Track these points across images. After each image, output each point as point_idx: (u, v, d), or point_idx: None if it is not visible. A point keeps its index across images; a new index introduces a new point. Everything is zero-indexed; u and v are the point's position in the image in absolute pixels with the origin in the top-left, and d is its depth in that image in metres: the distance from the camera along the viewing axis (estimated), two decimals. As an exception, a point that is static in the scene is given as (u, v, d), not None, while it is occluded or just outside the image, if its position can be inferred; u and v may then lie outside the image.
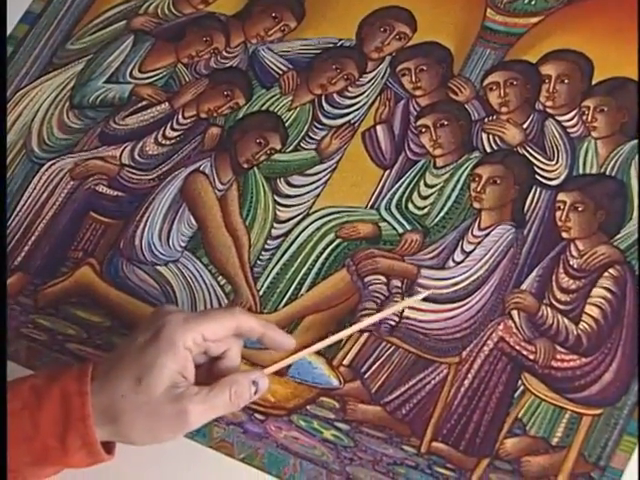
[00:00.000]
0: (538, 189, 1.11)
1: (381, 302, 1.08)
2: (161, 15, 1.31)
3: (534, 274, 1.07)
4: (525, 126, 1.15)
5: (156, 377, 0.89)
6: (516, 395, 1.02)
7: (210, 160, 1.19)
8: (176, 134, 1.22)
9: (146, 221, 1.17)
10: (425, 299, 1.07)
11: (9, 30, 1.30)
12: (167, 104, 1.24)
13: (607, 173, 1.11)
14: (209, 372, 0.96)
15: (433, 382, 1.04)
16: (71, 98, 1.27)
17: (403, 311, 1.07)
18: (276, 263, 1.13)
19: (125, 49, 1.29)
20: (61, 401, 0.90)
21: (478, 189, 1.12)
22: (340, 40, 1.25)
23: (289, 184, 1.17)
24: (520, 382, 1.03)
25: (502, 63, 1.19)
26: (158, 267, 1.14)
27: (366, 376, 1.06)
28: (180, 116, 1.23)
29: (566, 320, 1.04)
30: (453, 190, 1.13)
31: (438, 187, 1.14)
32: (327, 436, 1.03)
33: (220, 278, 1.13)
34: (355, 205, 1.14)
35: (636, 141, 1.11)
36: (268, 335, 0.97)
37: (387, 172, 1.16)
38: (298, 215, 1.15)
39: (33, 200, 1.20)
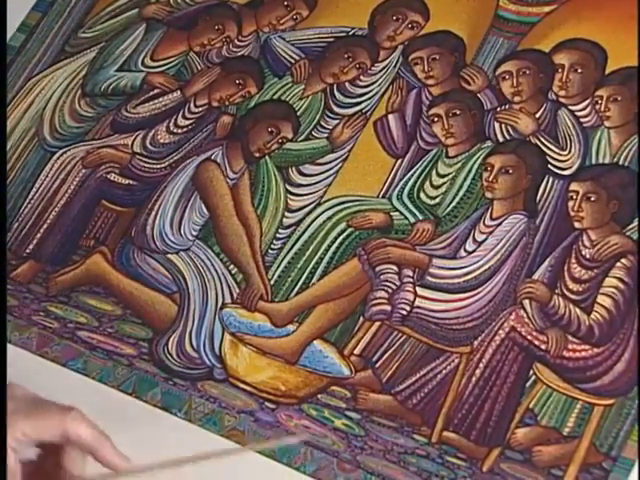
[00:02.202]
0: (551, 179, 1.11)
1: (392, 291, 1.08)
2: (173, 3, 1.31)
3: (546, 264, 1.07)
4: (538, 115, 1.15)
5: None
6: (527, 385, 1.02)
7: (222, 149, 1.19)
8: (188, 122, 1.22)
9: (158, 209, 1.17)
10: (437, 288, 1.07)
11: (21, 18, 1.30)
12: (179, 92, 1.24)
13: (620, 163, 1.11)
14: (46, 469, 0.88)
15: (444, 372, 1.04)
16: (83, 86, 1.27)
17: (414, 300, 1.07)
18: (287, 252, 1.13)
19: (137, 37, 1.29)
20: None
21: (490, 179, 1.12)
22: (352, 29, 1.25)
23: (301, 173, 1.17)
24: (532, 372, 1.03)
25: (515, 52, 1.19)
26: (169, 256, 1.14)
27: (377, 365, 1.06)
28: (192, 104, 1.23)
29: (578, 310, 1.03)
30: (465, 179, 1.13)
31: (450, 176, 1.14)
32: (338, 425, 1.03)
33: (231, 267, 1.13)
34: (367, 194, 1.14)
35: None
36: (99, 453, 0.85)
37: (399, 161, 1.16)
38: (310, 204, 1.15)
39: (45, 188, 1.20)
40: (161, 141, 1.21)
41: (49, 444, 0.84)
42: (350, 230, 1.12)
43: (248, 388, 1.06)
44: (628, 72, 1.14)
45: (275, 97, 1.22)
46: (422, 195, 1.13)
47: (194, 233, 1.15)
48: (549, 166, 1.12)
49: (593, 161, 1.11)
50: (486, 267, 1.07)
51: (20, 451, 0.83)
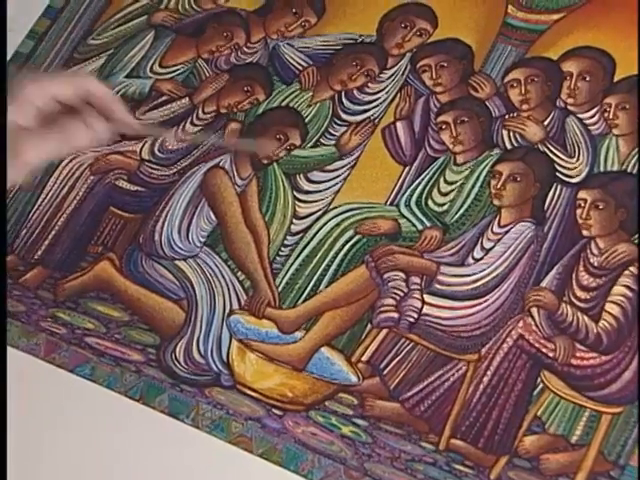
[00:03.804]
0: (559, 186, 1.11)
1: (400, 298, 1.08)
2: (182, 10, 1.31)
3: (554, 272, 1.07)
4: (546, 123, 1.15)
5: None
6: (535, 393, 1.02)
7: (230, 155, 1.19)
8: (196, 129, 1.22)
9: (165, 216, 1.17)
10: (444, 296, 1.07)
11: (31, 25, 1.30)
12: (187, 99, 1.24)
13: (628, 170, 1.10)
14: None
15: (452, 379, 1.04)
16: (92, 93, 1.27)
17: (422, 308, 1.07)
18: (295, 259, 1.13)
19: (146, 44, 1.29)
20: None
21: (498, 186, 1.11)
22: (360, 36, 1.24)
23: (308, 180, 1.17)
24: (539, 380, 1.02)
25: (523, 60, 1.18)
26: (177, 262, 1.14)
27: (385, 372, 1.06)
28: (200, 111, 1.23)
29: (586, 318, 1.03)
30: (473, 187, 1.13)
31: (458, 184, 1.14)
32: (345, 432, 1.03)
33: (239, 273, 1.13)
34: (375, 201, 1.14)
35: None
36: (114, 109, 0.91)
37: (407, 168, 1.16)
38: (318, 211, 1.15)
39: (53, 194, 1.20)
40: (169, 148, 1.21)
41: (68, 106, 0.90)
42: (358, 237, 1.12)
43: (255, 395, 1.06)
44: (636, 80, 1.14)
45: (283, 104, 1.22)
46: (430, 202, 1.13)
47: (202, 240, 1.15)
48: (557, 174, 1.11)
49: (601, 169, 1.11)
50: (494, 274, 1.07)
51: (44, 110, 0.88)
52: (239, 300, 1.11)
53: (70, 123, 0.90)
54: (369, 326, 1.08)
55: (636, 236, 1.06)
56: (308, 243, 1.13)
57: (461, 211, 1.12)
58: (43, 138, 0.90)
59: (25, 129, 0.89)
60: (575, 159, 1.12)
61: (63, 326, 1.12)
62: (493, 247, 1.09)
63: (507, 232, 1.10)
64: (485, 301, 1.06)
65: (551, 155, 1.12)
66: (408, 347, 1.07)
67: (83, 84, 0.90)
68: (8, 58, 1.28)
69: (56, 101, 0.90)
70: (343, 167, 1.18)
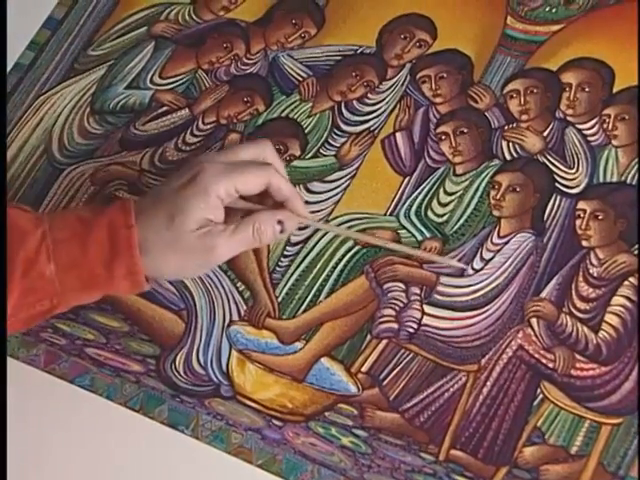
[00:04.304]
0: (558, 197, 1.11)
1: (400, 309, 1.08)
2: (182, 21, 1.31)
3: (554, 282, 1.07)
4: (545, 134, 1.15)
5: (187, 217, 0.94)
6: (535, 403, 1.02)
7: (230, 166, 1.19)
8: (196, 140, 1.22)
9: (166, 226, 1.17)
10: (444, 306, 1.07)
11: (31, 36, 1.31)
12: (187, 110, 1.25)
13: (628, 182, 1.11)
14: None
15: (452, 390, 1.04)
16: (92, 104, 1.27)
17: (422, 318, 1.07)
18: (295, 269, 1.13)
19: (146, 55, 1.29)
20: (109, 232, 0.94)
21: (498, 197, 1.12)
22: (360, 47, 1.25)
23: (308, 190, 1.17)
24: (539, 390, 1.02)
25: (522, 71, 1.19)
26: (177, 272, 1.14)
27: (384, 383, 1.06)
28: (200, 122, 1.23)
29: (586, 328, 1.03)
30: (472, 198, 1.13)
31: (457, 194, 1.14)
32: (345, 443, 1.03)
33: (239, 284, 1.13)
34: (374, 212, 1.14)
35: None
36: (292, 202, 1.02)
37: (406, 179, 1.16)
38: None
39: (54, 205, 1.20)
40: (169, 158, 1.21)
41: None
42: (358, 248, 1.13)
43: (255, 405, 1.06)
44: (635, 91, 1.14)
45: (283, 115, 1.22)
46: (430, 213, 1.13)
47: (202, 250, 1.15)
48: (556, 184, 1.12)
49: (601, 180, 1.11)
50: (493, 285, 1.07)
51: (225, 203, 0.97)
52: (239, 311, 1.11)
53: (260, 219, 0.99)
54: (369, 337, 1.08)
55: (636, 247, 1.07)
56: (308, 254, 1.13)
57: (461, 222, 1.12)
58: (234, 235, 0.98)
59: (213, 222, 0.96)
60: (574, 170, 1.12)
61: (63, 337, 1.12)
62: (493, 258, 1.09)
63: (507, 243, 1.10)
64: (485, 312, 1.07)
65: (550, 166, 1.13)
66: (408, 358, 1.07)
67: (266, 176, 0.98)
68: (8, 69, 1.28)
69: (237, 192, 0.97)
70: (343, 177, 1.18)
